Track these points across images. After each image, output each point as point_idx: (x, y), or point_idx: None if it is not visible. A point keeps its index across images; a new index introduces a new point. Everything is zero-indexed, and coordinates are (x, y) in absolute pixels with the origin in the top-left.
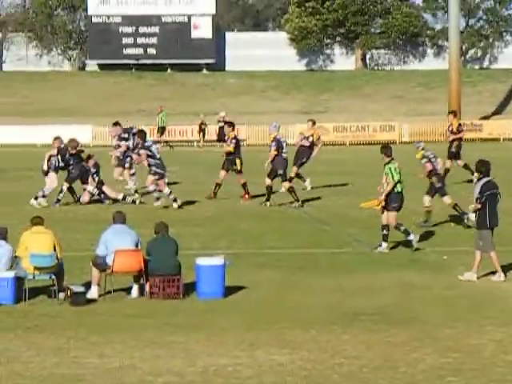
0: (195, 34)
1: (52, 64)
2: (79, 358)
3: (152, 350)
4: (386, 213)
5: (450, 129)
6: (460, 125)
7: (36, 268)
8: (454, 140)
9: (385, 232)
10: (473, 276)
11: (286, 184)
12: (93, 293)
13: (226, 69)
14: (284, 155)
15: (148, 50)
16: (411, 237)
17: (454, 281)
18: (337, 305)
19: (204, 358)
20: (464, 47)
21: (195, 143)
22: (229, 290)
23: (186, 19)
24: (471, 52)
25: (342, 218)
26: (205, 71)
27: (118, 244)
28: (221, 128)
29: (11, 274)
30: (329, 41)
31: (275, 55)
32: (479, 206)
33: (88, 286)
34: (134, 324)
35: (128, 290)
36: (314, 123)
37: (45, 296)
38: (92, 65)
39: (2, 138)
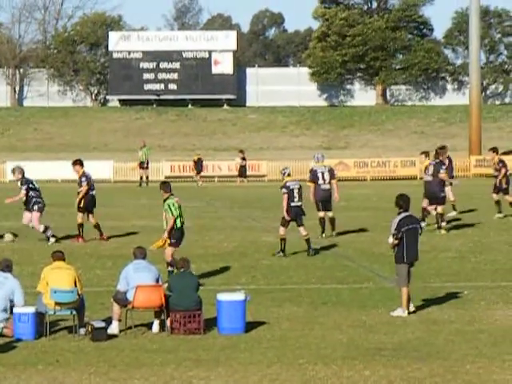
0: (216, 69)
1: (73, 100)
2: None
3: None
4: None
5: (494, 166)
6: (500, 161)
7: (57, 303)
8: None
9: (169, 269)
10: (404, 312)
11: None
12: (114, 328)
13: (247, 104)
14: (322, 186)
15: (169, 85)
16: None
17: (475, 316)
18: (358, 340)
19: None
20: (485, 83)
21: (238, 180)
22: (250, 326)
23: (207, 55)
24: (492, 87)
25: (364, 254)
26: (226, 107)
27: (139, 279)
28: (243, 166)
29: (32, 310)
30: (349, 76)
31: (296, 91)
32: (396, 241)
33: (109, 321)
34: (155, 359)
35: (149, 326)
36: (426, 155)
37: (66, 331)
38: (113, 101)
39: None
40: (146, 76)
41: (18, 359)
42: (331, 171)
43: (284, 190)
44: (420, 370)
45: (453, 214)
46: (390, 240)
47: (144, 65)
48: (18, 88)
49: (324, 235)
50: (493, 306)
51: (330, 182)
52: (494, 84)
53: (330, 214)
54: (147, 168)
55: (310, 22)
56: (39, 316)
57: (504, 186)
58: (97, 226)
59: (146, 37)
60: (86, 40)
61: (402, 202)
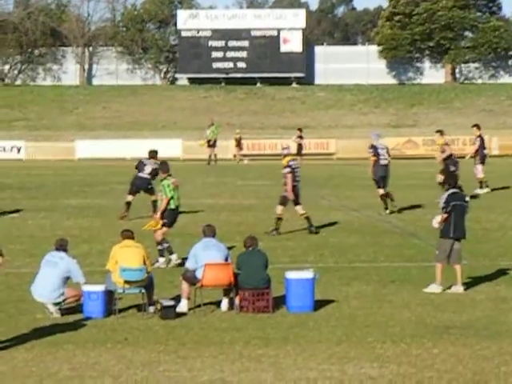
0: (285, 47)
1: (142, 78)
2: (169, 372)
3: (241, 363)
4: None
5: None
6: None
7: (126, 282)
8: None
9: (159, 247)
10: (439, 288)
11: (380, 191)
12: (182, 306)
13: (316, 82)
14: (382, 162)
15: (237, 63)
16: (173, 256)
17: None
18: (427, 318)
19: (294, 372)
20: None
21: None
22: (318, 304)
23: (276, 33)
24: None
25: (431, 232)
26: (294, 85)
27: (208, 258)
28: (300, 144)
29: (101, 288)
30: (418, 54)
31: (364, 68)
32: (446, 215)
33: (178, 299)
34: (224, 337)
35: (218, 304)
36: (441, 133)
37: (134, 310)
38: (182, 79)
39: (92, 151)
40: (215, 54)
41: (87, 337)
42: (387, 149)
43: (288, 170)
44: (489, 348)
45: (478, 191)
46: (436, 223)
47: (213, 43)
48: (86, 66)
49: (388, 211)
50: None
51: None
52: None
53: (381, 191)
54: (214, 146)
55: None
56: (108, 294)
57: None
58: (153, 202)
59: (214, 15)
60: (154, 18)
61: (451, 179)
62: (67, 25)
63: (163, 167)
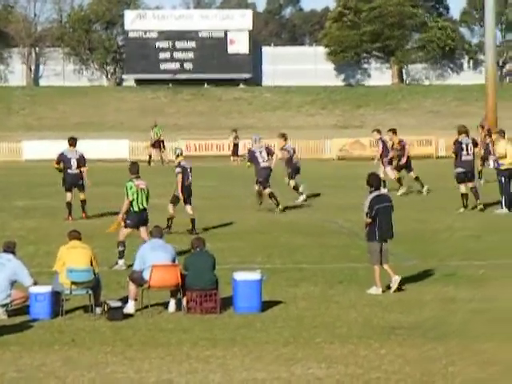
0: (232, 49)
1: (89, 79)
2: (116, 374)
3: (189, 364)
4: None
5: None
6: (400, 141)
7: (73, 283)
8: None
9: (120, 248)
10: (379, 289)
11: (266, 190)
12: (130, 308)
13: (263, 84)
14: (262, 164)
15: (185, 64)
16: (120, 262)
17: (493, 294)
18: (374, 319)
19: (241, 373)
20: (501, 61)
21: (232, 158)
22: (266, 305)
23: (223, 34)
24: (510, 66)
25: None
26: (241, 86)
27: (155, 259)
28: (235, 145)
29: (48, 289)
30: (365, 55)
31: (312, 70)
32: (369, 220)
33: (125, 300)
34: (171, 339)
35: (165, 305)
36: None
37: (82, 311)
38: (129, 80)
39: (39, 152)
40: (162, 55)
41: (33, 339)
42: (268, 149)
43: (178, 170)
44: (436, 349)
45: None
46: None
47: (160, 44)
48: (33, 67)
49: (260, 206)
50: (509, 284)
51: (268, 159)
52: (511, 62)
53: (267, 190)
54: (159, 147)
55: (327, 1)
56: (55, 295)
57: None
58: (82, 202)
59: (161, 15)
60: (101, 19)
61: (373, 180)
62: (13, 25)
63: (131, 169)
